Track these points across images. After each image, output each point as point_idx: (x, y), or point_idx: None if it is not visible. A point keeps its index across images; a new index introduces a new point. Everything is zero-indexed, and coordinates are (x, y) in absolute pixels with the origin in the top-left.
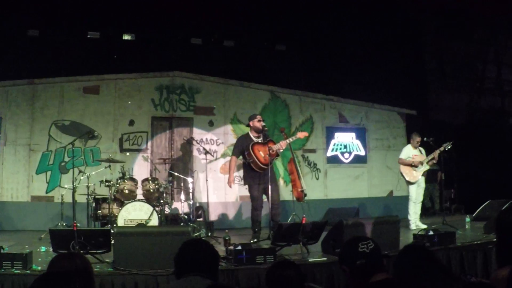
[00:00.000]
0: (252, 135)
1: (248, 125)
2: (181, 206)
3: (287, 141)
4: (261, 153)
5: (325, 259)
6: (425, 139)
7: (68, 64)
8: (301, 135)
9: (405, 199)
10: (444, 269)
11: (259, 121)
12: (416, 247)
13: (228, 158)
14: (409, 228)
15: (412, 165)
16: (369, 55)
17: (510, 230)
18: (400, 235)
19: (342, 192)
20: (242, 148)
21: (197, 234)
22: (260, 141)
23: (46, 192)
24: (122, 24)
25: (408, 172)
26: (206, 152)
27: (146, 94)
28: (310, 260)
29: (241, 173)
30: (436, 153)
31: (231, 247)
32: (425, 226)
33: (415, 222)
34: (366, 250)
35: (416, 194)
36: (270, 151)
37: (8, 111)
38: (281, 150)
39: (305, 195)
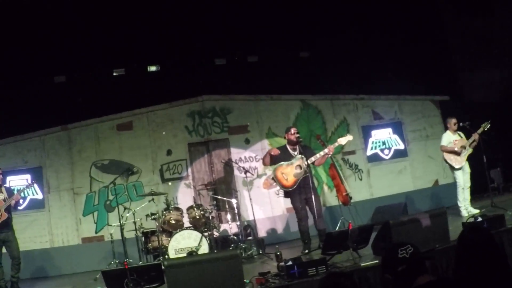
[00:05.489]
0: (289, 147)
1: (285, 138)
2: (229, 227)
3: (328, 151)
4: (284, 176)
5: (377, 261)
6: (461, 124)
7: (98, 105)
8: (342, 140)
9: (452, 187)
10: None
11: (293, 134)
12: (477, 228)
13: (268, 172)
14: (460, 215)
15: (456, 152)
16: (392, 47)
17: None
18: (450, 224)
19: (387, 188)
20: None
21: (249, 253)
22: (286, 163)
23: (96, 232)
24: (145, 56)
25: (453, 158)
26: (246, 171)
27: (179, 122)
28: (362, 264)
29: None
30: (476, 135)
31: (282, 263)
32: (477, 211)
33: (466, 208)
34: (406, 255)
35: (463, 180)
36: (308, 162)
37: (47, 159)
38: (329, 155)
39: (351, 198)
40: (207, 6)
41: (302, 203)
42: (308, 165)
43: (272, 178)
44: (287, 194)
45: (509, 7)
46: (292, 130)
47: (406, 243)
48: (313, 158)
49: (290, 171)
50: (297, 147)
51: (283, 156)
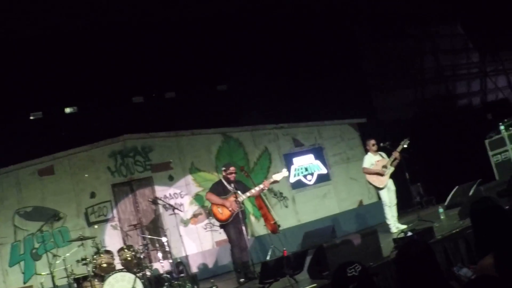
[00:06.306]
0: (225, 182)
1: (223, 174)
2: (161, 265)
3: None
4: (219, 210)
5: (315, 285)
6: (381, 144)
7: (17, 150)
8: (277, 176)
9: (377, 205)
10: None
11: (231, 172)
12: (414, 242)
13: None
14: (389, 232)
15: (379, 173)
16: (309, 75)
17: (483, 220)
18: (381, 241)
19: (314, 213)
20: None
21: None
22: (223, 197)
23: (24, 283)
24: (61, 98)
25: (376, 179)
26: (174, 208)
27: (101, 164)
28: None
29: (213, 220)
30: (396, 153)
31: None
32: (405, 226)
33: (395, 224)
34: (355, 274)
35: (389, 198)
36: (240, 199)
37: None
38: (265, 189)
39: (279, 226)
40: (120, 45)
41: (237, 234)
42: (243, 200)
43: (208, 212)
44: (222, 226)
45: (417, 30)
46: (231, 169)
47: (354, 262)
48: (248, 194)
49: (224, 205)
50: (232, 183)
51: (220, 190)
